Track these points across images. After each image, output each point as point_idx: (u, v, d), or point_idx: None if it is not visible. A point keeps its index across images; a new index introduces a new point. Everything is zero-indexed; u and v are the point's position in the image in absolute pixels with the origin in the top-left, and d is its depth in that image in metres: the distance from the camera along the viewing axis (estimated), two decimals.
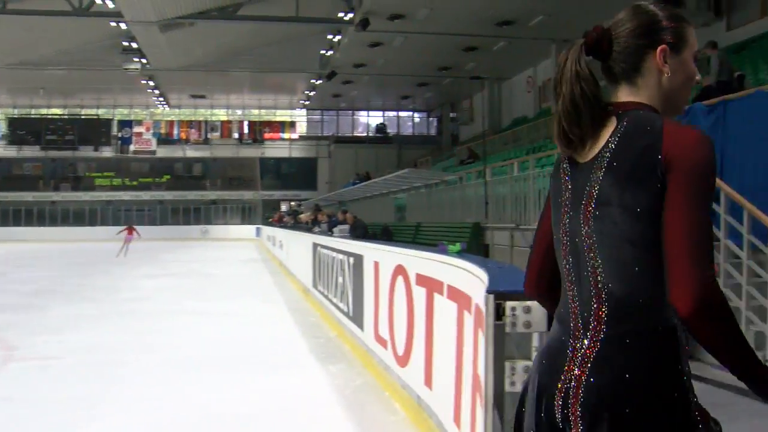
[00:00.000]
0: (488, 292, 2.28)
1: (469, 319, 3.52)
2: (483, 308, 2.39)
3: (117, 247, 28.84)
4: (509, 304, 2.22)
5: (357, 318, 7.98)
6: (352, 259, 8.47)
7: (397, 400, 5.93)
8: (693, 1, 24.12)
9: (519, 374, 2.23)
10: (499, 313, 2.23)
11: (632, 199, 1.67)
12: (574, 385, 1.68)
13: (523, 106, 38.86)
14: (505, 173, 16.67)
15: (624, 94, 1.83)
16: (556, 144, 1.83)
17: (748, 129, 8.56)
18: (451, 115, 49.98)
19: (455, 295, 4.09)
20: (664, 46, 1.80)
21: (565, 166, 1.85)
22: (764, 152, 7.90)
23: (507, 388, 2.26)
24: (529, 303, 2.21)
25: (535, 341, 2.24)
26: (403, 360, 5.80)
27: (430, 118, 54.58)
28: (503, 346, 2.24)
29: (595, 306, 1.72)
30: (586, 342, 1.71)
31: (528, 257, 2.03)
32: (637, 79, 1.81)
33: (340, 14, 28.43)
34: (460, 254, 4.51)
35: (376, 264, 6.97)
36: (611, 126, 1.75)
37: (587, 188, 1.76)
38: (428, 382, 4.99)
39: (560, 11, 27.31)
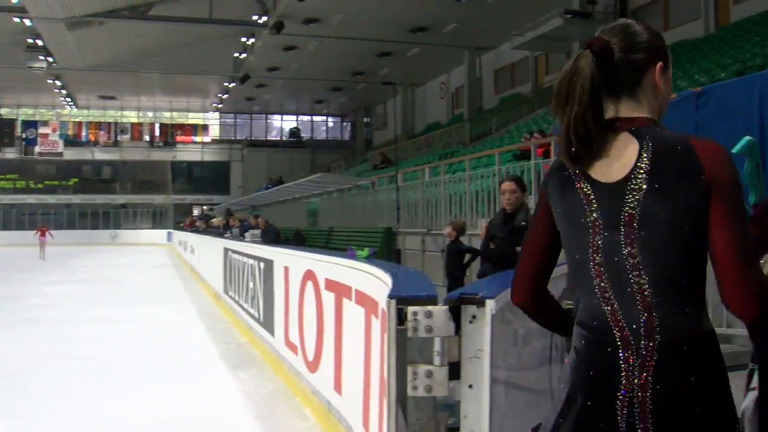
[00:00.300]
0: (390, 296, 2.28)
1: (376, 324, 3.53)
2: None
3: (22, 252, 27.86)
4: (411, 309, 2.22)
5: (268, 324, 7.92)
6: (262, 264, 8.40)
7: (307, 406, 5.90)
8: (601, 13, 24.88)
9: (421, 378, 2.24)
10: (401, 318, 2.23)
11: (681, 217, 1.76)
12: (639, 393, 1.76)
13: (436, 112, 39.39)
14: (417, 178, 16.82)
15: (626, 109, 1.86)
16: (563, 159, 1.88)
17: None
18: (365, 120, 50.24)
19: (363, 299, 4.10)
20: (660, 63, 1.87)
21: (584, 186, 1.87)
22: None
23: (410, 392, 2.26)
24: (430, 308, 2.22)
25: (437, 346, 2.24)
26: (313, 365, 5.78)
27: (344, 123, 54.67)
28: (405, 350, 2.24)
29: (645, 318, 1.79)
30: (641, 351, 1.78)
31: (516, 268, 2.08)
32: (639, 94, 1.86)
33: (254, 17, 28.27)
34: (368, 259, 4.50)
35: (286, 269, 6.93)
36: (631, 144, 1.80)
37: (626, 209, 1.80)
38: (338, 387, 4.98)
39: (473, 19, 27.79)
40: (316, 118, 54.94)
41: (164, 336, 9.96)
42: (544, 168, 11.22)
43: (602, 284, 1.85)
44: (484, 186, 12.63)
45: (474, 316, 2.30)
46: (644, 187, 1.78)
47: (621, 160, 1.81)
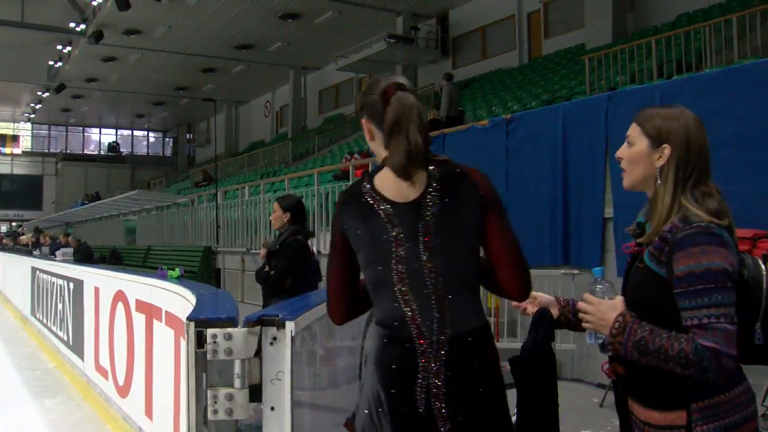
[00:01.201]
0: (189, 319, 2.25)
1: (184, 346, 3.46)
2: None
3: None
4: (210, 331, 2.19)
5: (77, 347, 7.58)
6: (72, 285, 8.04)
7: None
8: (423, 40, 25.69)
9: (221, 401, 2.21)
10: (201, 340, 2.21)
11: (467, 228, 2.15)
12: (434, 380, 2.08)
13: (260, 130, 39.19)
14: (238, 197, 16.66)
15: None
16: (401, 176, 2.14)
17: (462, 160, 9.17)
18: (188, 136, 49.14)
19: (173, 321, 4.02)
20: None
21: (384, 207, 2.16)
22: None
23: (210, 416, 2.23)
24: (230, 330, 2.21)
25: (237, 368, 2.23)
26: (124, 390, 5.60)
27: (166, 139, 53.19)
28: (205, 373, 2.22)
29: (438, 316, 2.12)
30: (435, 344, 2.10)
31: (328, 292, 2.31)
32: None
33: (72, 24, 26.97)
34: (179, 279, 4.42)
35: (97, 289, 6.68)
36: (420, 171, 2.14)
37: (422, 223, 2.14)
38: (149, 412, 4.86)
39: (299, 39, 27.94)
40: (136, 133, 53.08)
41: None
42: None
43: (403, 288, 2.14)
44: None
45: (275, 338, 2.30)
46: (437, 202, 2.13)
47: (417, 184, 2.14)
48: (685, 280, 1.93)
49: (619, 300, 2.08)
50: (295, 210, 5.58)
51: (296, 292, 4.91)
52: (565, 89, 16.08)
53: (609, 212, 7.33)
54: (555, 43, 21.86)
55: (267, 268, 5.47)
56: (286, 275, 5.31)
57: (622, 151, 2.19)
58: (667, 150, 2.08)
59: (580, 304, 2.15)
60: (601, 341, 2.11)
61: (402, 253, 2.14)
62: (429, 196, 2.14)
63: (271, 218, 5.90)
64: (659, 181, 2.09)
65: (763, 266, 2.10)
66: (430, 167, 2.16)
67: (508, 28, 23.91)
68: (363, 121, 2.29)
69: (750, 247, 5.28)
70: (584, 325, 2.15)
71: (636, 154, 2.13)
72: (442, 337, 2.10)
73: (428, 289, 2.13)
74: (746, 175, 6.09)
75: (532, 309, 2.47)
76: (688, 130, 2.08)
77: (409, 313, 2.13)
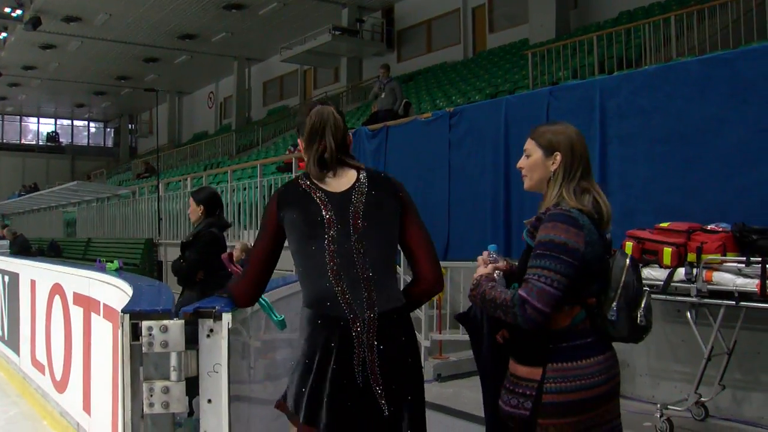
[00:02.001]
0: (123, 311, 2.22)
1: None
2: None
3: None
4: (145, 323, 2.17)
5: (12, 342, 7.44)
6: (7, 278, 7.88)
7: (56, 429, 5.60)
8: (368, 32, 25.66)
9: (158, 395, 2.19)
10: (136, 333, 2.18)
11: (389, 219, 2.56)
12: (368, 353, 2.38)
13: (204, 122, 38.76)
14: (180, 188, 16.46)
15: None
16: (313, 172, 2.58)
17: (405, 152, 9.26)
18: (130, 126, 48.34)
19: (110, 314, 3.96)
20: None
21: (319, 194, 2.53)
22: (417, 174, 8.55)
23: (146, 409, 2.21)
24: (166, 322, 2.19)
25: (173, 361, 2.21)
26: (62, 385, 5.53)
27: (108, 129, 52.15)
28: (140, 366, 2.19)
29: (365, 294, 2.43)
30: (366, 321, 2.40)
31: (244, 273, 2.61)
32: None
33: (7, 10, 26.21)
34: (118, 272, 4.36)
35: (33, 283, 6.55)
36: (351, 171, 2.59)
37: (352, 209, 2.51)
38: (87, 407, 4.79)
39: (243, 30, 27.68)
40: (76, 123, 51.87)
41: None
42: None
43: (334, 268, 2.44)
44: (247, 198, 12.58)
45: (211, 330, 2.29)
46: (365, 191, 2.54)
47: (345, 178, 2.57)
48: (536, 247, 2.41)
49: (490, 267, 2.57)
50: (209, 203, 5.55)
51: (211, 284, 4.88)
52: (509, 83, 16.22)
53: None
54: (499, 38, 22.04)
55: (182, 261, 5.42)
56: (197, 267, 5.25)
57: (522, 162, 2.65)
58: (558, 156, 2.55)
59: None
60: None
61: (333, 233, 2.46)
62: (357, 188, 2.55)
63: (188, 212, 5.85)
64: (551, 181, 2.57)
65: (627, 261, 2.57)
66: (360, 168, 2.61)
67: (453, 22, 24.02)
68: (299, 140, 2.70)
69: (685, 239, 5.43)
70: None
71: (534, 162, 2.60)
72: (372, 315, 2.41)
73: (357, 269, 2.45)
74: (683, 170, 6.24)
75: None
76: (572, 140, 2.56)
77: (340, 293, 2.42)
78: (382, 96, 13.79)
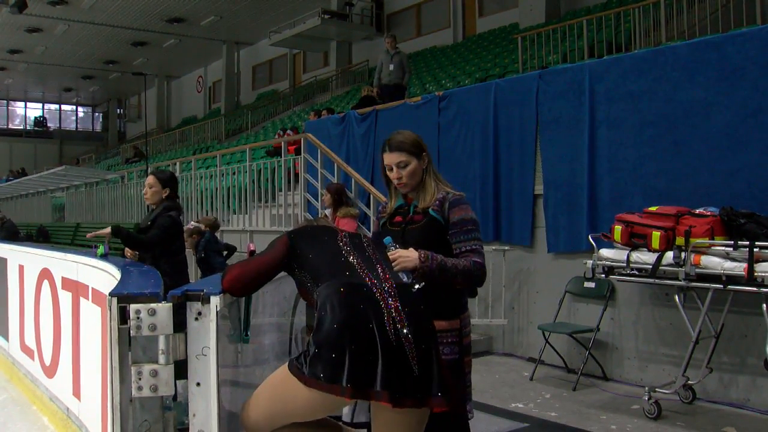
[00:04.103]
0: (111, 294, 2.22)
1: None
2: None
3: None
4: (133, 307, 2.17)
5: (1, 327, 7.40)
6: None
7: (45, 414, 5.56)
8: (357, 16, 25.56)
9: (146, 378, 2.19)
10: (124, 317, 2.18)
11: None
12: (394, 314, 2.53)
13: (192, 106, 38.57)
14: None
15: None
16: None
17: None
18: (118, 111, 48.07)
19: (99, 299, 3.94)
20: None
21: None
22: None
23: (135, 393, 2.21)
24: (154, 305, 2.18)
25: (162, 344, 2.20)
26: (51, 370, 5.49)
27: (96, 114, 51.79)
28: (128, 349, 2.19)
29: (379, 269, 2.74)
30: (385, 289, 2.61)
31: (248, 263, 2.81)
32: None
33: None
34: (104, 257, 4.34)
35: (21, 267, 6.51)
36: None
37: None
38: (77, 392, 4.76)
39: (232, 13, 27.53)
40: (64, 107, 51.43)
41: None
42: (295, 165, 11.35)
43: (347, 248, 2.82)
44: (236, 182, 12.55)
45: (200, 313, 2.28)
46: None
47: None
48: (459, 224, 3.11)
49: (410, 249, 2.99)
50: (173, 185, 5.53)
51: (169, 270, 4.88)
52: (498, 68, 16.19)
53: (539, 189, 7.44)
54: (489, 22, 21.96)
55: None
56: (156, 246, 5.24)
57: (399, 173, 3.18)
58: (425, 155, 3.23)
59: (390, 254, 2.96)
60: (410, 280, 2.89)
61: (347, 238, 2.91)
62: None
63: (145, 192, 5.74)
64: (425, 176, 3.22)
65: None
66: None
67: (442, 6, 23.93)
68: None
69: (673, 223, 5.46)
70: (396, 267, 2.91)
71: (412, 170, 3.19)
72: (388, 285, 2.64)
73: (368, 252, 2.86)
74: (671, 153, 6.26)
75: None
76: (420, 139, 3.25)
77: (357, 264, 2.72)
78: (391, 68, 13.20)
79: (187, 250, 6.22)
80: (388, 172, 3.25)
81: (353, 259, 2.75)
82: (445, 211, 3.13)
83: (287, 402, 2.53)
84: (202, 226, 8.33)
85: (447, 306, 3.11)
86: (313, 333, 2.54)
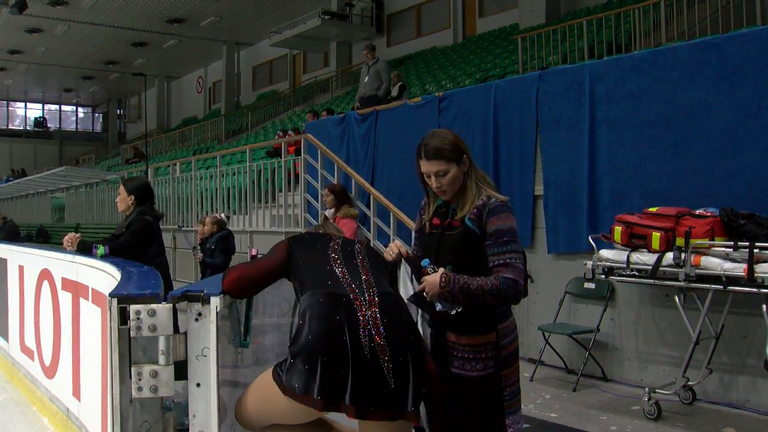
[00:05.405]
0: (111, 295, 2.21)
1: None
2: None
3: None
4: (133, 307, 2.17)
5: (1, 328, 7.39)
6: None
7: (45, 415, 5.56)
8: (357, 17, 25.55)
9: (146, 379, 2.19)
10: (124, 317, 2.17)
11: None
12: (371, 322, 2.55)
13: (192, 107, 38.58)
14: (168, 173, 16.39)
15: None
16: None
17: (395, 137, 9.26)
18: (119, 111, 48.05)
19: (99, 299, 3.94)
20: None
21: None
22: (407, 158, 8.54)
23: (135, 393, 2.20)
24: (154, 306, 2.18)
25: (162, 345, 2.20)
26: (51, 371, 5.49)
27: (96, 114, 51.77)
28: (129, 350, 2.19)
29: (365, 278, 2.75)
30: (366, 300, 2.62)
31: (248, 266, 2.89)
32: None
33: None
34: (104, 257, 4.34)
35: (21, 268, 6.51)
36: None
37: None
38: (77, 393, 4.76)
39: (232, 14, 27.53)
40: (64, 108, 51.39)
41: None
42: (295, 165, 11.35)
43: (334, 256, 2.85)
44: (236, 182, 12.55)
45: (200, 314, 2.29)
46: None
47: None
48: (495, 235, 2.89)
49: (440, 270, 2.87)
50: (140, 192, 5.55)
51: None
52: (499, 68, 16.18)
53: (539, 190, 7.43)
54: (489, 23, 21.96)
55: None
56: (127, 250, 5.23)
57: (439, 182, 2.98)
58: (466, 157, 3.02)
59: (421, 286, 2.89)
60: (444, 308, 2.87)
61: (337, 245, 2.98)
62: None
63: (116, 200, 5.81)
64: (466, 179, 3.02)
65: None
66: None
67: (442, 7, 23.92)
68: None
69: (674, 224, 5.45)
70: (429, 298, 2.87)
71: (453, 177, 2.99)
72: (372, 294, 2.65)
73: (357, 260, 2.84)
74: (671, 154, 6.25)
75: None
76: (459, 139, 3.04)
77: (340, 274, 2.73)
78: (365, 80, 12.97)
79: (188, 250, 6.21)
80: (426, 179, 3.07)
81: (338, 268, 2.77)
82: (483, 220, 2.93)
83: (271, 405, 2.61)
84: (225, 217, 8.38)
85: (477, 321, 2.95)
86: (291, 343, 2.61)
